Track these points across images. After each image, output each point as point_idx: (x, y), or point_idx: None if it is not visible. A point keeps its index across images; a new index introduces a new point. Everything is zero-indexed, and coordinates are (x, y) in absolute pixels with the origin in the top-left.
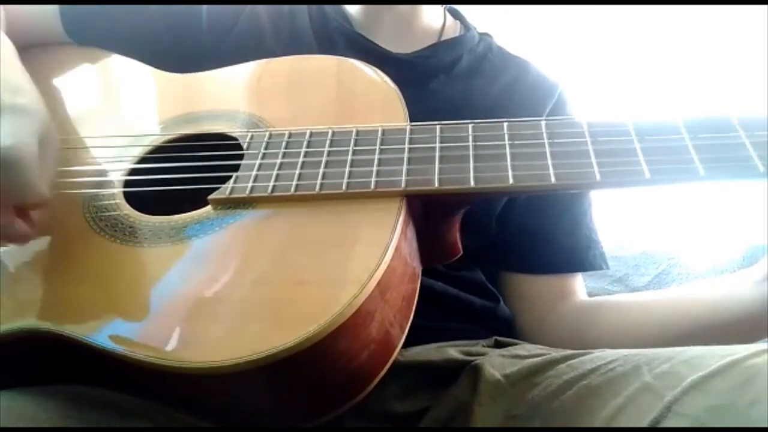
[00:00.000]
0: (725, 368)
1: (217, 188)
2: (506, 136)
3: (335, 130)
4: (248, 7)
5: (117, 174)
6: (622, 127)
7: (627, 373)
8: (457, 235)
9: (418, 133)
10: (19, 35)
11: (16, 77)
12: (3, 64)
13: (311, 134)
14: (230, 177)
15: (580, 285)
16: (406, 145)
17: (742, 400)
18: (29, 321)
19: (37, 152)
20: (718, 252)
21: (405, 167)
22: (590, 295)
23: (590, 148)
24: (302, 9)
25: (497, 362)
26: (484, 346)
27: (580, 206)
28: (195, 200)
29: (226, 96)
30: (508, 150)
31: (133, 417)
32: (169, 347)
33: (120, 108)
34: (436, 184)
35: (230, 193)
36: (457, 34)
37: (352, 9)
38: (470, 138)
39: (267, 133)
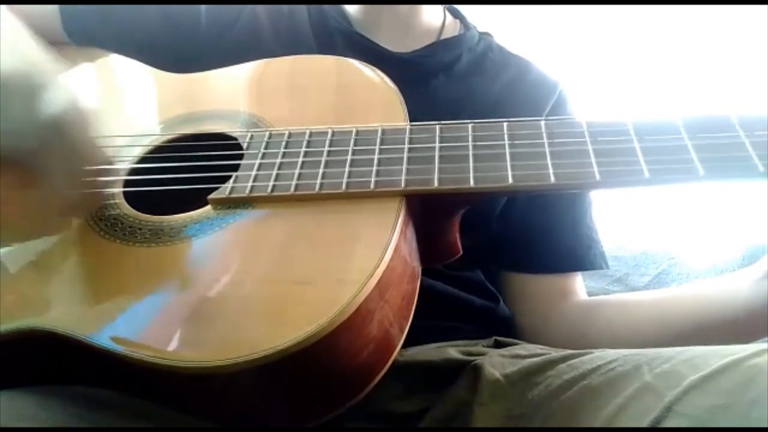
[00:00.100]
0: (726, 368)
1: (217, 188)
2: (506, 136)
3: (335, 129)
4: (247, 7)
5: (117, 174)
6: (621, 126)
7: (627, 372)
8: (457, 235)
9: (418, 132)
10: None
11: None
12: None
13: (311, 134)
14: (230, 177)
15: (580, 284)
16: (406, 145)
17: (742, 400)
18: (29, 321)
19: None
20: (718, 252)
21: (404, 167)
22: (590, 294)
23: (590, 147)
24: (301, 9)
25: (497, 362)
26: (484, 346)
27: (580, 206)
28: (195, 200)
29: (226, 96)
30: (507, 150)
31: (133, 417)
32: (169, 347)
33: (120, 108)
34: (436, 184)
35: (230, 192)
36: (456, 33)
37: (352, 8)
38: (470, 138)
39: (267, 133)
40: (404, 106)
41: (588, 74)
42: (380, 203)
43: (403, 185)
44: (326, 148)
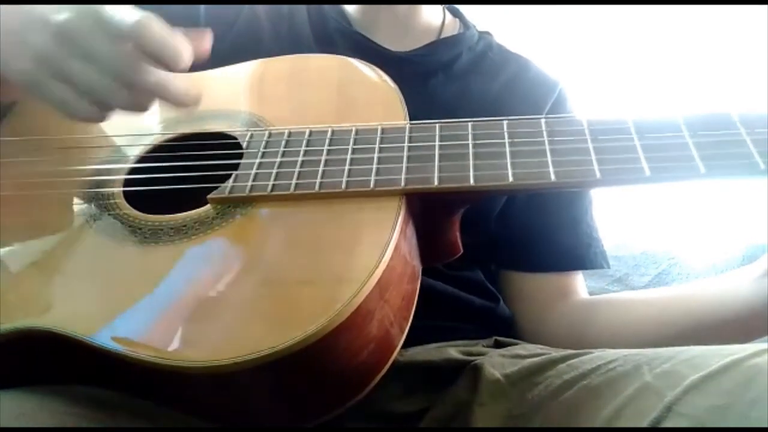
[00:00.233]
0: (726, 368)
1: (217, 187)
2: (506, 135)
3: (335, 128)
4: (247, 8)
5: (117, 173)
6: (622, 124)
7: (627, 372)
8: (458, 234)
9: (418, 131)
10: None
11: None
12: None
13: (311, 133)
14: (230, 176)
15: (580, 283)
16: (406, 144)
17: (742, 400)
18: (29, 320)
19: None
20: (718, 252)
21: (404, 166)
22: (590, 294)
23: (590, 146)
24: (301, 9)
25: (497, 362)
26: (484, 346)
27: (580, 204)
28: (195, 199)
29: (226, 95)
30: (507, 148)
31: (133, 417)
32: (170, 347)
33: None
34: (436, 183)
35: (230, 192)
36: (456, 33)
37: (351, 8)
38: (470, 136)
39: (266, 132)
40: (404, 105)
41: (588, 73)
42: (380, 202)
43: (403, 184)
44: (326, 147)
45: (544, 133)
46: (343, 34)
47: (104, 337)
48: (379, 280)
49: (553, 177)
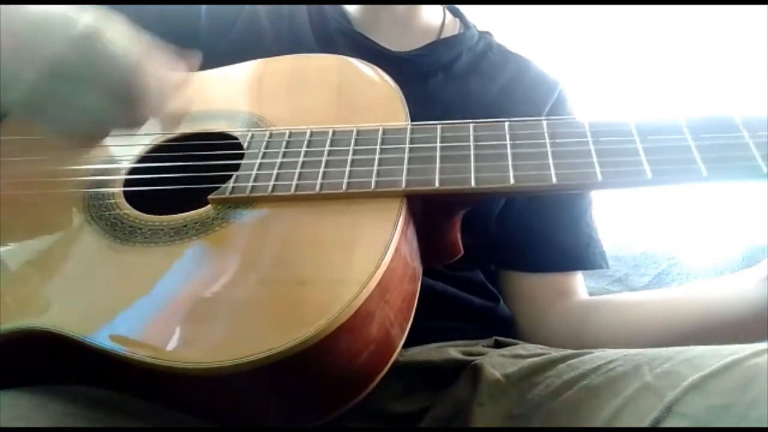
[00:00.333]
0: (726, 368)
1: (218, 188)
2: (507, 136)
3: (336, 129)
4: (247, 8)
5: (117, 173)
6: (624, 127)
7: (627, 372)
8: (458, 235)
9: (419, 132)
10: None
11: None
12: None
13: (312, 134)
14: (231, 176)
15: (580, 284)
16: (407, 145)
17: (742, 401)
18: (29, 321)
19: None
20: (718, 252)
21: (405, 167)
22: (590, 295)
23: (592, 148)
24: (301, 9)
25: (497, 362)
26: (484, 346)
27: (580, 204)
28: (195, 200)
29: (227, 95)
30: (509, 150)
31: (133, 417)
32: (169, 347)
33: None
34: (437, 184)
35: (230, 192)
36: (456, 33)
37: (351, 8)
38: (471, 138)
39: (267, 133)
40: (405, 105)
41: (590, 74)
42: (381, 203)
43: (404, 185)
44: (327, 148)
45: (546, 135)
46: (343, 34)
47: (103, 338)
48: (380, 281)
49: (554, 179)
